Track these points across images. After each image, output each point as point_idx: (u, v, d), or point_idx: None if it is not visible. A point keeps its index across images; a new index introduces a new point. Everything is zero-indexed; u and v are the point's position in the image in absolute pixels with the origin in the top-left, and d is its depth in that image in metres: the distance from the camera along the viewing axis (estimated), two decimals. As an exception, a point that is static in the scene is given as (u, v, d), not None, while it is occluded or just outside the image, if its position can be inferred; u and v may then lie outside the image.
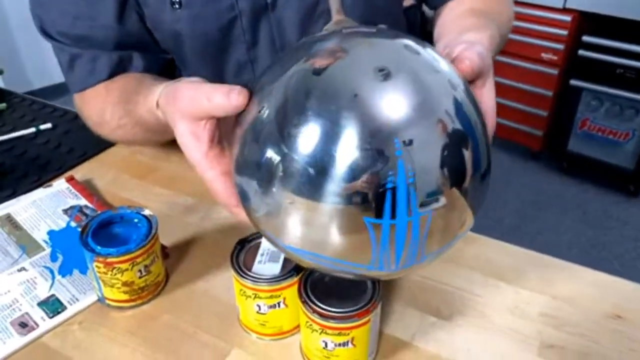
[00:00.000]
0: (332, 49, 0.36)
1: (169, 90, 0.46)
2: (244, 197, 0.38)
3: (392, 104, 0.33)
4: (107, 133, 0.65)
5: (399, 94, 0.33)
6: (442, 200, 0.34)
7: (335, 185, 0.32)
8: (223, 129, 0.41)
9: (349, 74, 0.34)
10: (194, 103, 0.40)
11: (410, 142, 0.32)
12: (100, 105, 0.63)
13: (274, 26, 0.63)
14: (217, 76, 0.67)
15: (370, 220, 0.33)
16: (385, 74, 0.33)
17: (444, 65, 0.37)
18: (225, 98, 0.37)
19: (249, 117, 0.37)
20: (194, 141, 0.41)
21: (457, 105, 0.35)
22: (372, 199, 0.32)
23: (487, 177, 0.38)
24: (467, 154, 0.35)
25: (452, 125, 0.34)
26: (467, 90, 0.37)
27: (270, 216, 0.36)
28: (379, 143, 0.32)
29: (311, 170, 0.32)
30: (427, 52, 0.37)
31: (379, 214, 0.32)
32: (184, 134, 0.41)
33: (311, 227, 0.34)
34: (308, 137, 0.33)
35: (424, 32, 0.80)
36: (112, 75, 0.64)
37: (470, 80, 0.40)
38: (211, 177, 0.41)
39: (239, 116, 0.38)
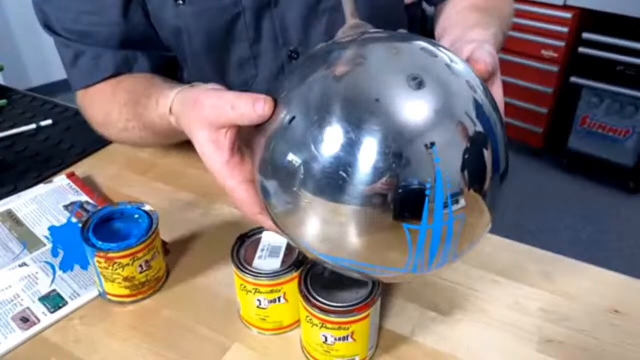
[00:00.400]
0: (355, 56, 0.36)
1: (186, 97, 0.45)
2: (266, 197, 0.38)
3: (428, 113, 0.33)
4: (112, 134, 0.65)
5: (432, 101, 0.34)
6: (473, 203, 0.35)
7: (374, 193, 0.33)
8: (243, 137, 0.41)
9: (380, 82, 0.34)
10: (217, 111, 0.39)
11: (445, 149, 0.33)
12: (106, 106, 0.63)
13: (277, 22, 0.64)
14: (218, 72, 0.67)
15: (408, 226, 0.33)
16: (418, 83, 0.33)
17: (464, 67, 0.37)
18: (250, 107, 0.37)
19: (273, 125, 0.37)
20: (214, 150, 0.40)
21: (480, 107, 0.35)
22: (410, 206, 0.33)
23: (506, 176, 0.38)
24: (492, 156, 0.35)
25: (478, 128, 0.34)
26: (486, 90, 0.38)
27: (301, 224, 0.36)
28: (416, 152, 0.32)
29: (349, 178, 0.33)
30: (448, 56, 0.37)
31: (416, 220, 0.33)
32: (204, 142, 0.41)
33: (348, 235, 0.35)
34: (347, 146, 0.33)
35: (424, 30, 0.80)
36: (116, 72, 0.63)
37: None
38: (232, 185, 0.40)
39: (261, 124, 0.38)
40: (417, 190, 0.32)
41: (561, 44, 2.03)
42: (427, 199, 0.33)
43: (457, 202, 0.34)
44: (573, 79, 2.04)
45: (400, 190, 0.32)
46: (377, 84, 0.34)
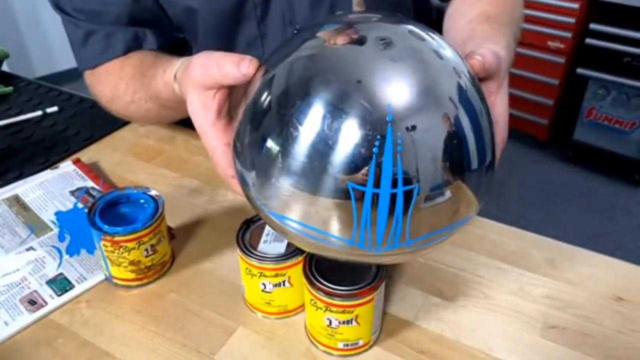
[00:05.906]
0: (336, 31, 0.35)
1: (186, 62, 0.46)
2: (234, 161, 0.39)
3: (394, 75, 0.32)
4: (119, 108, 0.66)
5: (403, 67, 0.33)
6: (432, 181, 0.33)
7: (324, 148, 0.32)
8: (233, 101, 0.41)
9: (351, 50, 0.34)
10: (204, 70, 0.40)
11: (404, 112, 0.31)
12: (114, 81, 0.63)
13: (285, 1, 0.64)
14: (226, 51, 0.67)
15: (353, 185, 0.32)
16: (386, 43, 0.33)
17: (448, 50, 0.36)
18: (234, 67, 0.38)
19: (252, 90, 0.37)
20: (202, 110, 0.41)
21: (460, 90, 0.34)
22: (358, 163, 0.32)
23: (490, 169, 0.37)
24: (467, 143, 0.34)
25: (452, 109, 0.33)
26: (471, 75, 0.36)
27: (259, 182, 0.36)
28: (370, 107, 0.31)
29: (299, 129, 0.32)
30: (433, 38, 0.36)
31: (362, 180, 0.32)
32: (194, 103, 0.42)
33: (297, 192, 0.34)
34: (301, 104, 0.32)
35: (430, 20, 0.79)
36: (127, 51, 0.64)
37: (482, 78, 0.39)
38: (214, 146, 0.41)
39: (247, 89, 0.38)
40: (365, 147, 0.31)
41: (568, 35, 2.01)
42: (374, 157, 0.31)
43: (412, 172, 0.32)
44: (579, 70, 2.03)
45: (350, 147, 0.31)
46: (347, 50, 0.34)
